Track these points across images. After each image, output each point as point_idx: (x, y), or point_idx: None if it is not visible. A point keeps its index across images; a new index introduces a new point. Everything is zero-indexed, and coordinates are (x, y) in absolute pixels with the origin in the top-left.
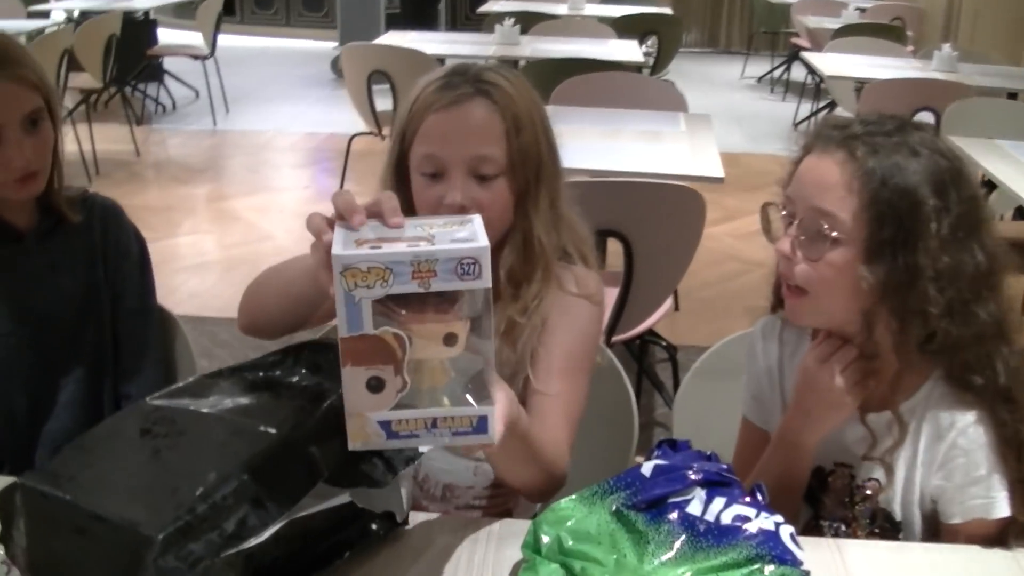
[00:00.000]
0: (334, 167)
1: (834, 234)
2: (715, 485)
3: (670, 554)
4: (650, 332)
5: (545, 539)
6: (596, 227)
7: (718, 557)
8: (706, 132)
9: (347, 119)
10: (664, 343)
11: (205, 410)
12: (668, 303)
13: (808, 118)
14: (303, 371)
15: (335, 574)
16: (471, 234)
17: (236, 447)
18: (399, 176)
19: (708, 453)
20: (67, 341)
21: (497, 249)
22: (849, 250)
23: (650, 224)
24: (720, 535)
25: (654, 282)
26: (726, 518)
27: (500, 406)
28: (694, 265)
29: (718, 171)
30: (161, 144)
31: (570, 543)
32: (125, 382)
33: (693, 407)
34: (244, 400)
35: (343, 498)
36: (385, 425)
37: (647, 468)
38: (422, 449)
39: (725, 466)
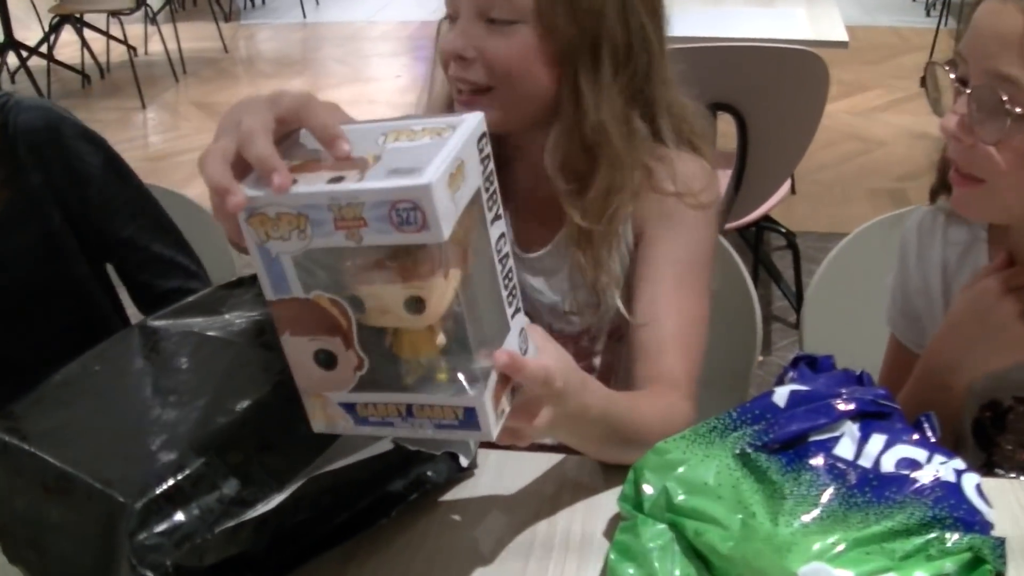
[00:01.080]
0: (428, 55)
1: (1017, 109)
2: (871, 417)
3: (814, 513)
4: (766, 218)
5: (648, 490)
6: (703, 101)
7: (880, 521)
8: None
9: (442, 4)
10: (783, 229)
11: (212, 333)
12: (785, 186)
13: None
14: None
15: (381, 536)
16: (425, 158)
17: (242, 382)
18: None
19: (858, 373)
20: (31, 323)
21: (538, 128)
22: None
23: (766, 96)
24: (881, 487)
25: (771, 162)
26: (888, 463)
27: (533, 378)
28: (810, 145)
29: (841, 34)
30: (250, 39)
31: (681, 497)
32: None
33: (826, 311)
34: (261, 317)
35: (384, 445)
36: (349, 408)
37: (781, 395)
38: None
39: (883, 391)
